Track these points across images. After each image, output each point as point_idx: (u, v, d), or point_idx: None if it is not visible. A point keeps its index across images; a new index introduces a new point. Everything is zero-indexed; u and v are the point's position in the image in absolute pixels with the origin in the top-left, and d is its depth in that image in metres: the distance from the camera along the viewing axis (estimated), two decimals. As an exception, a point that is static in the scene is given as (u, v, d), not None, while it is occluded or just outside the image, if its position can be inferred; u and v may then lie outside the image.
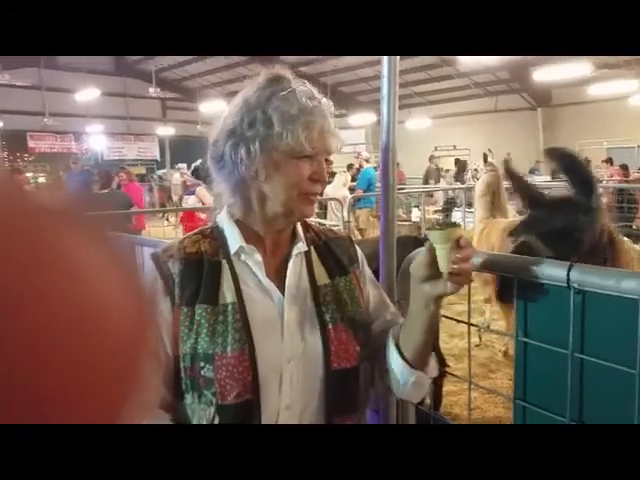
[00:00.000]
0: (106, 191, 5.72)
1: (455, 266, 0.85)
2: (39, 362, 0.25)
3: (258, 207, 0.99)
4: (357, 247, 1.13)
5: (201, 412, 0.94)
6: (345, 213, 5.37)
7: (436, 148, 16.94)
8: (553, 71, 11.28)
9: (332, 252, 1.08)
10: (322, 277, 1.04)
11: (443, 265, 0.84)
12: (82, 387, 0.27)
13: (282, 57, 16.21)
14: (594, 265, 1.04)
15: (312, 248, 1.06)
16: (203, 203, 5.82)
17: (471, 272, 0.89)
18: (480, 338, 4.12)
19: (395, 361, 0.99)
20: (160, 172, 16.28)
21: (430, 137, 17.40)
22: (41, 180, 13.28)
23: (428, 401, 3.04)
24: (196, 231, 1.06)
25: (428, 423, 1.30)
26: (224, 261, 0.99)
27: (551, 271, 0.82)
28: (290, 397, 0.96)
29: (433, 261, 0.86)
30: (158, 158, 19.68)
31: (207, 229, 1.05)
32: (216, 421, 0.93)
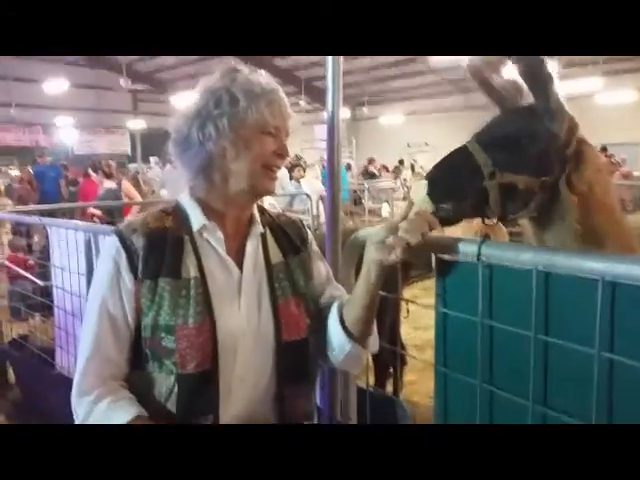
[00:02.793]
0: (115, 186, 5.76)
1: (418, 219, 0.92)
2: None
3: (222, 185, 1.05)
4: (307, 229, 1.22)
5: (161, 381, 0.99)
6: (314, 207, 5.41)
7: (409, 145, 17.12)
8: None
9: (286, 234, 1.16)
10: (276, 256, 1.12)
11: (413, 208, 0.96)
12: None
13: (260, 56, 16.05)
14: (559, 174, 1.06)
15: (268, 230, 1.14)
16: (129, 196, 5.88)
17: (417, 238, 0.90)
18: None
19: (335, 329, 1.06)
20: (133, 166, 15.96)
21: (403, 133, 17.58)
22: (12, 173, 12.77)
23: (389, 388, 3.15)
24: (158, 209, 1.10)
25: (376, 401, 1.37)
26: (187, 237, 1.04)
27: (465, 248, 0.92)
28: (244, 368, 1.02)
29: (393, 229, 0.93)
30: (129, 152, 19.36)
31: (169, 207, 1.10)
32: (175, 389, 0.98)
